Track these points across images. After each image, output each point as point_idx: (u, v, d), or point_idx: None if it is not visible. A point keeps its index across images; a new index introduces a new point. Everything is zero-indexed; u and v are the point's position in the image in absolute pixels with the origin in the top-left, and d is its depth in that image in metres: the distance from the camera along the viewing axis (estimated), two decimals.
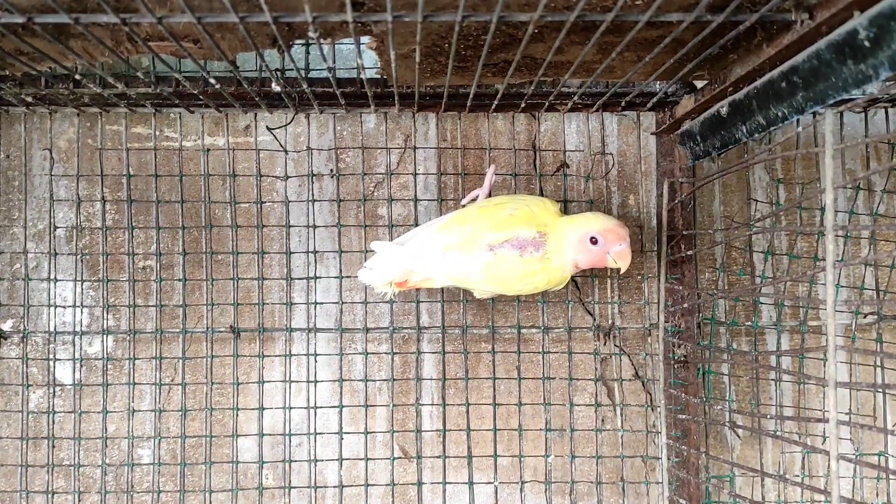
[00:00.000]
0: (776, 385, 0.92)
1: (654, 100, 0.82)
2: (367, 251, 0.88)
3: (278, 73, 0.79)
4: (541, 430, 0.90)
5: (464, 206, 0.85)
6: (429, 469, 0.90)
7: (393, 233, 0.90)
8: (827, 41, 0.51)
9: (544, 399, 0.91)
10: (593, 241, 0.74)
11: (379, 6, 0.53)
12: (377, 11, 0.53)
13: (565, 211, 0.91)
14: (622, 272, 0.78)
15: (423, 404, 0.91)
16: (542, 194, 0.91)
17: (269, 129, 0.90)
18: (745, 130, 0.68)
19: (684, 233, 0.86)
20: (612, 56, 0.61)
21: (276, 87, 0.78)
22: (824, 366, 0.88)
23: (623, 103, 0.85)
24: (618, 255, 0.74)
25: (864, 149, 0.94)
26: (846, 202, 0.94)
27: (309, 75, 0.79)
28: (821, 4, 0.51)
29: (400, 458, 0.90)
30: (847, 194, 0.94)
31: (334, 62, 0.79)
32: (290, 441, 0.89)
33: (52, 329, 0.88)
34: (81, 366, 0.88)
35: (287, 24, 0.60)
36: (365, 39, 0.64)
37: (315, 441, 0.89)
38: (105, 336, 0.89)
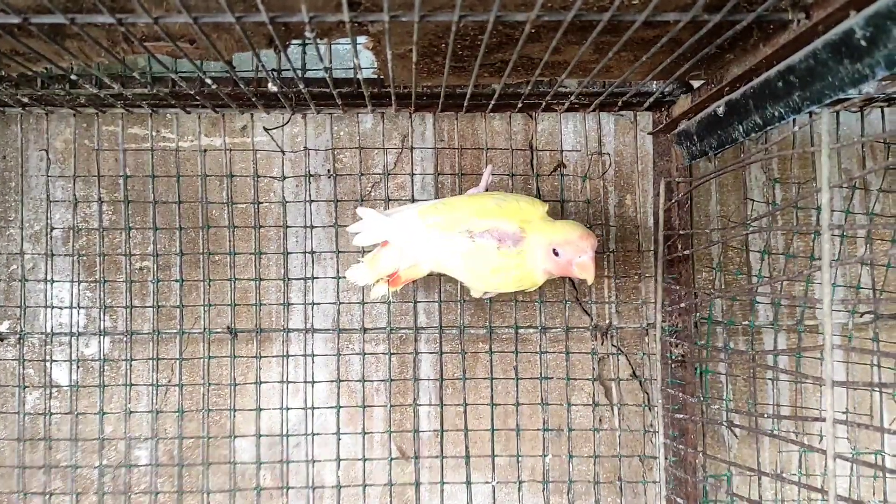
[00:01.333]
0: (773, 384, 0.92)
1: (651, 100, 0.82)
2: (362, 251, 0.88)
3: (275, 73, 0.79)
4: (538, 429, 0.90)
5: None
6: (426, 469, 0.90)
7: None
8: (823, 41, 0.51)
9: (542, 399, 0.91)
10: (555, 252, 0.73)
11: (375, 6, 0.53)
12: (374, 11, 0.53)
13: (563, 211, 0.91)
14: (588, 283, 0.77)
15: (420, 404, 0.91)
16: (538, 194, 0.91)
17: (265, 129, 0.90)
18: (741, 130, 0.68)
19: (681, 232, 0.86)
20: (609, 56, 0.61)
21: (272, 88, 0.78)
22: (821, 365, 0.88)
23: (620, 103, 0.85)
24: (579, 265, 0.73)
25: (860, 148, 0.94)
26: (842, 201, 0.94)
27: (305, 75, 0.79)
28: (817, 4, 0.51)
29: (397, 458, 0.90)
30: (843, 193, 0.94)
31: (331, 62, 0.79)
32: (287, 441, 0.89)
33: (48, 330, 0.88)
34: (78, 367, 0.88)
35: (284, 24, 0.59)
36: (362, 39, 0.64)
37: (312, 441, 0.89)
38: (102, 337, 0.88)
